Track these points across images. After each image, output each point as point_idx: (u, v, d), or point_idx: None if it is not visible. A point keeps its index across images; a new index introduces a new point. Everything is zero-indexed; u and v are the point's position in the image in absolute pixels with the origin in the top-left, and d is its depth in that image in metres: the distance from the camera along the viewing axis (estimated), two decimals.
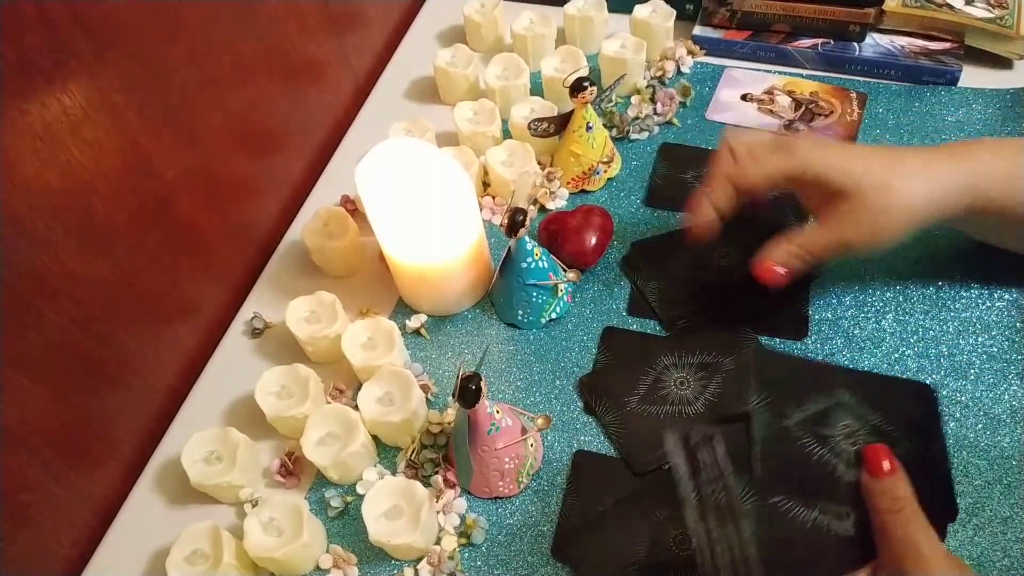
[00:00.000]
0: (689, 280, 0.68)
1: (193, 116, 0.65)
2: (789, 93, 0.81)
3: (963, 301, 0.64)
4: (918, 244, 0.62)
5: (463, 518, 0.58)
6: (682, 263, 0.69)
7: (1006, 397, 0.59)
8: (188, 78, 0.63)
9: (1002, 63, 0.80)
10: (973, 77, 0.79)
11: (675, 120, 0.81)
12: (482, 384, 0.52)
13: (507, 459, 0.57)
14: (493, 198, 0.76)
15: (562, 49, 0.83)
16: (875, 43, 0.82)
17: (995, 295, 0.64)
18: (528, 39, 0.85)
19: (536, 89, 0.83)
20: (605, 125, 0.78)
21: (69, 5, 0.51)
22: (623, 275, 0.70)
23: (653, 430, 0.60)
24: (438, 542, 0.57)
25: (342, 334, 0.64)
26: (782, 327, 0.65)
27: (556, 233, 0.69)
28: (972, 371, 0.60)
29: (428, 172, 0.62)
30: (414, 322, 0.68)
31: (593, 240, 0.68)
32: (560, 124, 0.73)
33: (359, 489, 0.59)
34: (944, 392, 0.59)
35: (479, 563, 0.56)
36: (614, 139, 0.79)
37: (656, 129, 0.80)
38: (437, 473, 0.59)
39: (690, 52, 0.85)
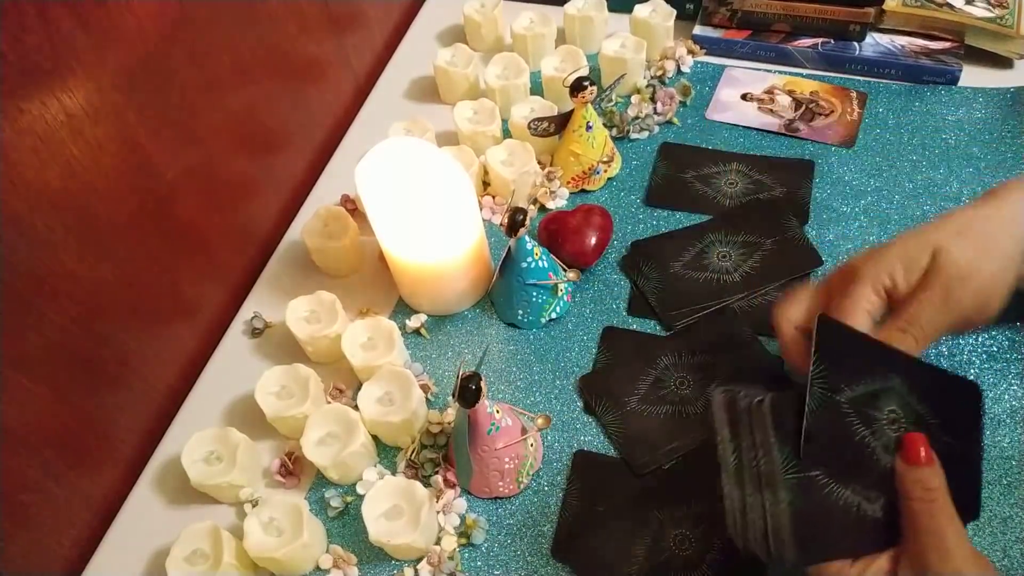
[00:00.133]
0: (689, 280, 0.68)
1: (193, 116, 0.65)
2: (789, 93, 0.81)
3: None
4: None
5: (463, 518, 0.58)
6: (682, 263, 0.69)
7: (1006, 397, 0.59)
8: (188, 78, 0.63)
9: (1002, 62, 0.80)
10: (973, 76, 0.79)
11: (675, 120, 0.81)
12: (482, 384, 0.52)
13: (507, 459, 0.57)
14: (493, 198, 0.76)
15: (562, 49, 0.83)
16: (875, 43, 0.82)
17: None
18: (528, 39, 0.85)
19: (536, 89, 0.83)
20: (605, 125, 0.78)
21: (69, 5, 0.51)
22: (623, 275, 0.70)
23: (653, 430, 0.60)
24: (438, 542, 0.57)
25: (342, 334, 0.64)
26: None
27: (556, 233, 0.69)
28: (972, 371, 0.60)
29: (428, 172, 0.62)
30: (414, 322, 0.68)
31: (593, 240, 0.68)
32: (560, 124, 0.73)
33: (359, 489, 0.59)
34: None
35: (479, 563, 0.56)
36: (614, 139, 0.79)
37: (656, 129, 0.80)
38: (437, 473, 0.59)
39: (690, 52, 0.85)
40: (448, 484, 0.58)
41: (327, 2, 0.80)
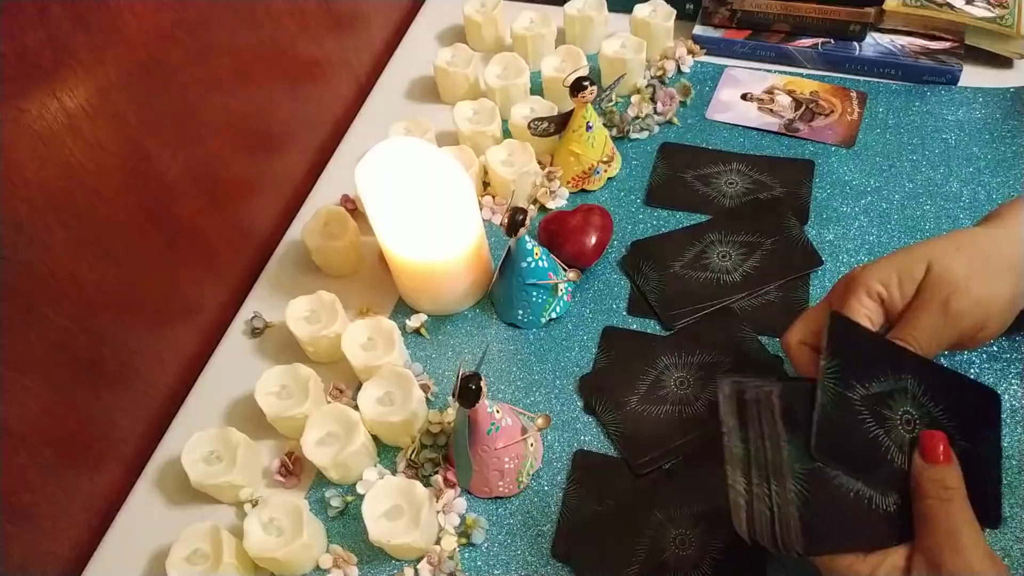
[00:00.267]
0: (689, 280, 0.68)
1: (193, 116, 0.65)
2: (789, 92, 0.81)
3: None
4: None
5: (463, 518, 0.58)
6: (682, 263, 0.69)
7: (1006, 397, 0.59)
8: (188, 78, 0.63)
9: (1002, 62, 0.80)
10: (973, 76, 0.79)
11: (675, 120, 0.81)
12: (482, 384, 0.52)
13: (507, 459, 0.57)
14: (493, 198, 0.76)
15: (562, 49, 0.83)
16: (875, 43, 0.82)
17: None
18: (528, 39, 0.85)
19: (536, 89, 0.83)
20: (605, 125, 0.78)
21: (69, 5, 0.51)
22: (623, 275, 0.70)
23: (653, 430, 0.60)
24: (438, 542, 0.57)
25: (342, 334, 0.64)
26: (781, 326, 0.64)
27: (556, 233, 0.69)
28: (972, 371, 0.60)
29: (428, 172, 0.62)
30: (414, 322, 0.68)
31: (593, 240, 0.68)
32: (560, 124, 0.73)
33: (359, 489, 0.59)
34: None
35: (479, 563, 0.56)
36: (614, 139, 0.79)
37: (656, 129, 0.80)
38: (437, 473, 0.59)
39: (690, 52, 0.85)
40: (448, 484, 0.58)
41: (327, 2, 0.80)
